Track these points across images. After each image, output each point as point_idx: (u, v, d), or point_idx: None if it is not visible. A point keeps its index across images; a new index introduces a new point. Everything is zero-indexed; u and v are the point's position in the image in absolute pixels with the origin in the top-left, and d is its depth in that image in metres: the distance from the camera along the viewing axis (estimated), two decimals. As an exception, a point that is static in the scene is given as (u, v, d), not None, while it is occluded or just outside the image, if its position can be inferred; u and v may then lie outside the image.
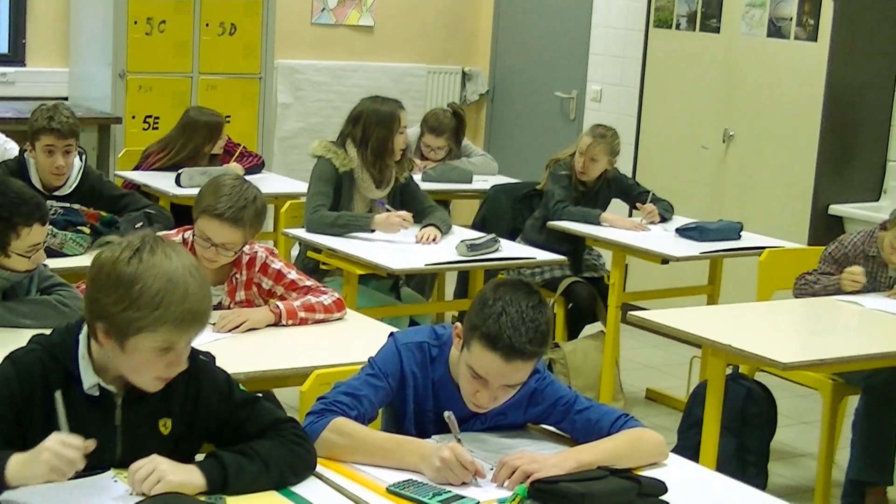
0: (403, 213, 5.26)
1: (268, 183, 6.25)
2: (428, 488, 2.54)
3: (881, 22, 6.70)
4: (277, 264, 3.97)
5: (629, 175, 6.78)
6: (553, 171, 6.12)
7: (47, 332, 2.57)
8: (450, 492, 2.54)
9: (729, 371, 4.46)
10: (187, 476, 2.42)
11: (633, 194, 6.26)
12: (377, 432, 2.78)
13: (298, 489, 2.51)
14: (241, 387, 2.70)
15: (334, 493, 2.53)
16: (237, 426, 2.60)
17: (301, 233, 5.24)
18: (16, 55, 7.81)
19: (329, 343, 3.69)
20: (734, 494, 2.75)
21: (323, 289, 3.97)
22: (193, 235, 3.87)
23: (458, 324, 2.79)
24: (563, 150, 6.26)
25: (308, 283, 3.97)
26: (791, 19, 6.74)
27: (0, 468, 2.34)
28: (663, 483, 2.59)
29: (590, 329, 6.14)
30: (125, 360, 2.44)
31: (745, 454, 4.68)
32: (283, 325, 3.77)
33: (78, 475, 2.46)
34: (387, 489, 2.54)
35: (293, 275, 3.98)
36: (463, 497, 2.52)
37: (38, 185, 4.91)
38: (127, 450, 2.52)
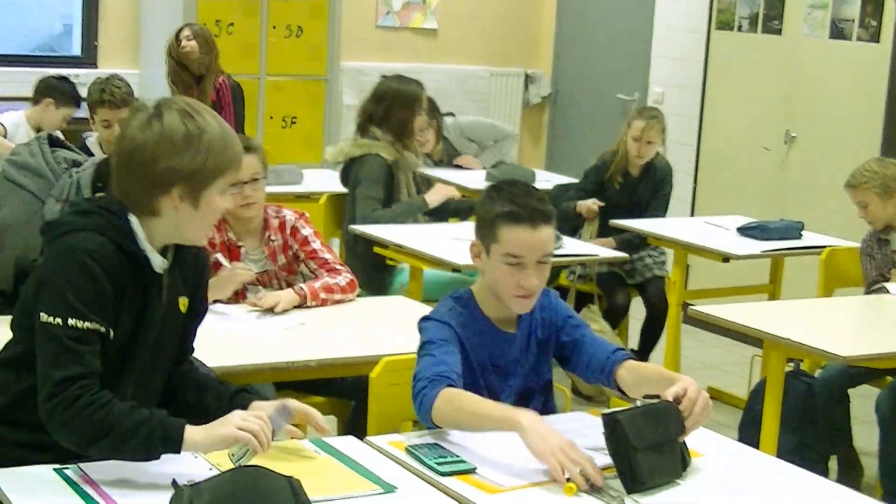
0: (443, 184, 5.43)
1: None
2: (437, 452, 2.63)
3: (945, 23, 6.71)
4: (307, 230, 4.12)
5: (693, 175, 6.78)
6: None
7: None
8: (457, 456, 2.63)
9: (790, 368, 4.49)
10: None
11: (657, 195, 6.26)
12: (486, 400, 2.79)
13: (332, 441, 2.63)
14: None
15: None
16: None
17: (368, 228, 5.28)
18: (88, 57, 7.99)
19: (393, 332, 3.77)
20: (795, 483, 2.76)
21: (337, 267, 4.12)
22: None
23: (473, 243, 2.97)
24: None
25: (327, 255, 4.13)
26: (853, 21, 6.75)
27: (178, 435, 2.40)
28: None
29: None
30: (197, 218, 2.54)
31: (806, 451, 4.69)
32: (307, 307, 3.92)
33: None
34: (406, 447, 2.68)
35: (317, 244, 4.12)
36: (462, 461, 2.61)
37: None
38: (164, 326, 2.61)
